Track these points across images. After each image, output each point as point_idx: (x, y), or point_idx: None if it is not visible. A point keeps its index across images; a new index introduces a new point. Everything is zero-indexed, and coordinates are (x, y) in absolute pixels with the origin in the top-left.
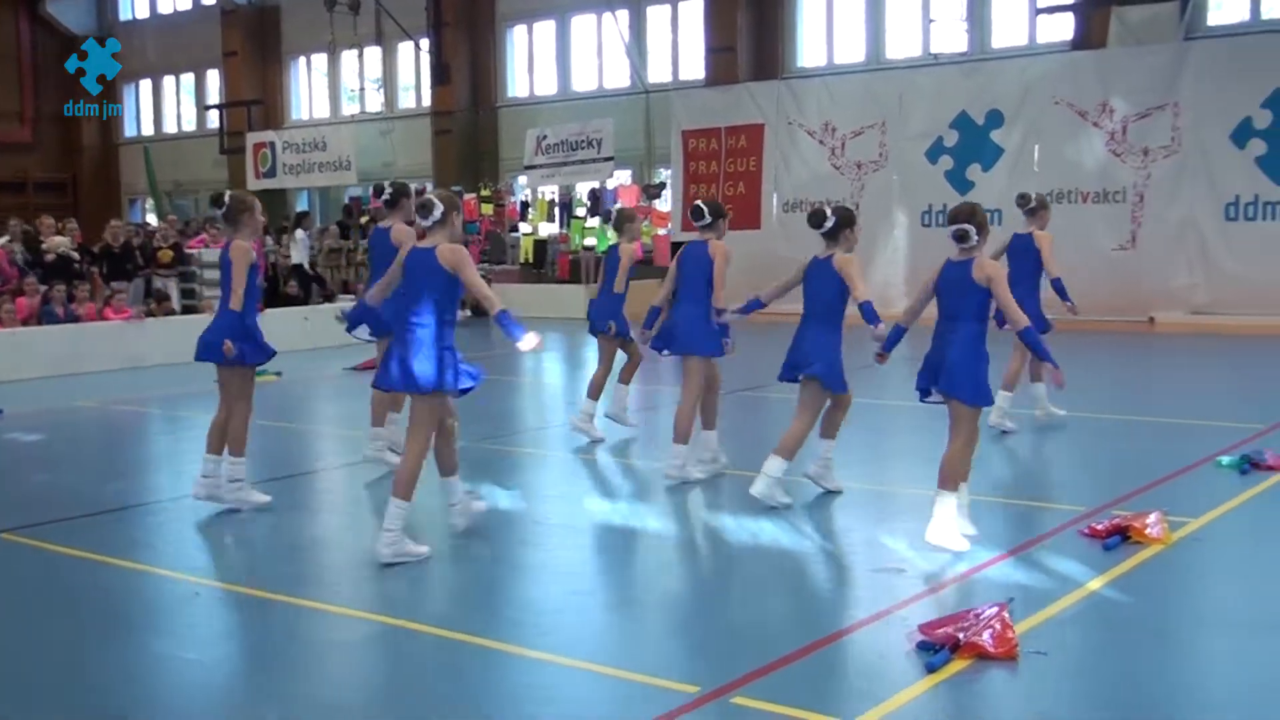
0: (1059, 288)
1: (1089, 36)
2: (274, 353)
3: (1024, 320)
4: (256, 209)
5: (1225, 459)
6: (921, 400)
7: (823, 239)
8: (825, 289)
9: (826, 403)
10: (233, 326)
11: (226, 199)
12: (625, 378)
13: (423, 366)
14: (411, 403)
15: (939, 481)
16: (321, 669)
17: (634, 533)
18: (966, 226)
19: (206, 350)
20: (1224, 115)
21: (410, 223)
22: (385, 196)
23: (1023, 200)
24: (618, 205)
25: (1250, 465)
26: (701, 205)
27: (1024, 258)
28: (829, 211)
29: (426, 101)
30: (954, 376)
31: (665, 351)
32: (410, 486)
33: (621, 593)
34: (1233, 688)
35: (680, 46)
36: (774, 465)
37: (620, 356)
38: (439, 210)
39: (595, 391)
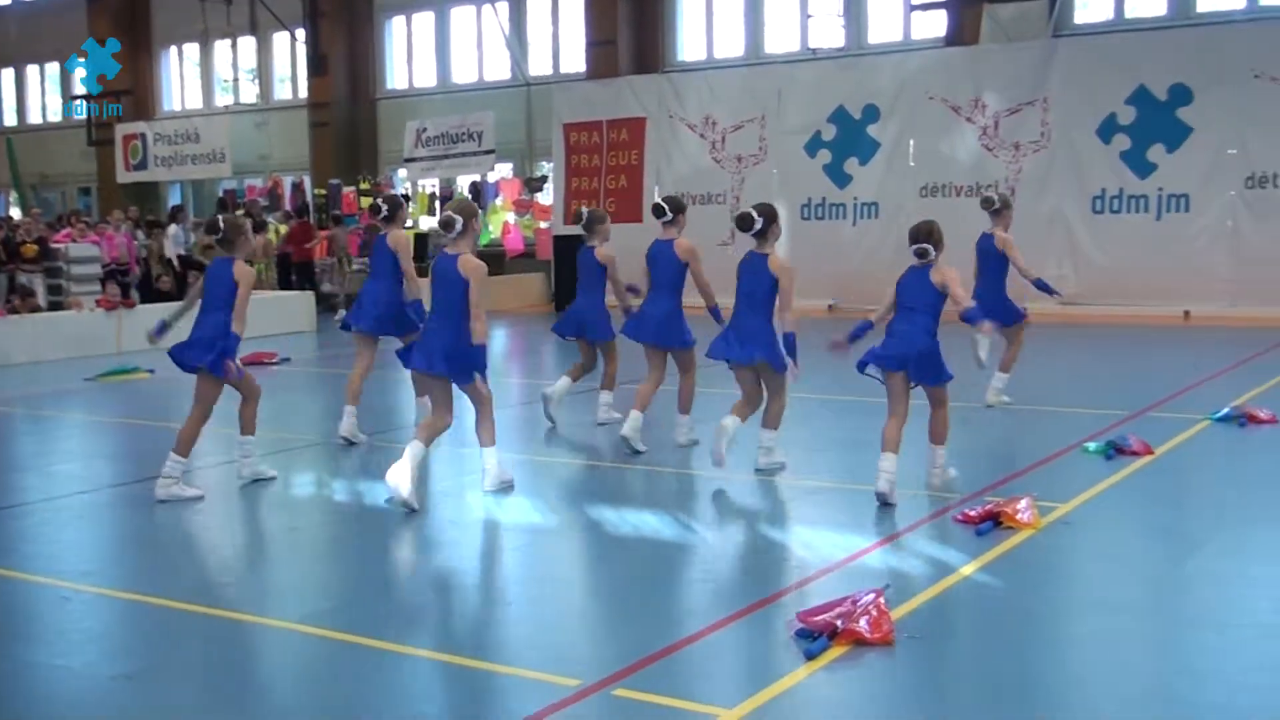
0: (1042, 286)
1: (961, 33)
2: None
3: (968, 302)
4: (248, 229)
5: (1092, 445)
6: (860, 372)
7: (753, 239)
8: (759, 284)
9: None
10: (231, 345)
11: (221, 223)
12: (606, 384)
13: (461, 356)
14: (436, 384)
15: (934, 440)
16: (192, 671)
17: (514, 526)
18: (926, 245)
19: (200, 357)
20: (1090, 111)
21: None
22: (384, 214)
23: (987, 203)
24: (589, 207)
25: (1115, 451)
26: (662, 203)
27: (988, 257)
28: (755, 214)
29: (303, 93)
30: (928, 366)
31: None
32: (433, 438)
33: (502, 586)
34: (1098, 667)
35: (561, 39)
36: (730, 422)
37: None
38: (459, 223)
39: (610, 383)
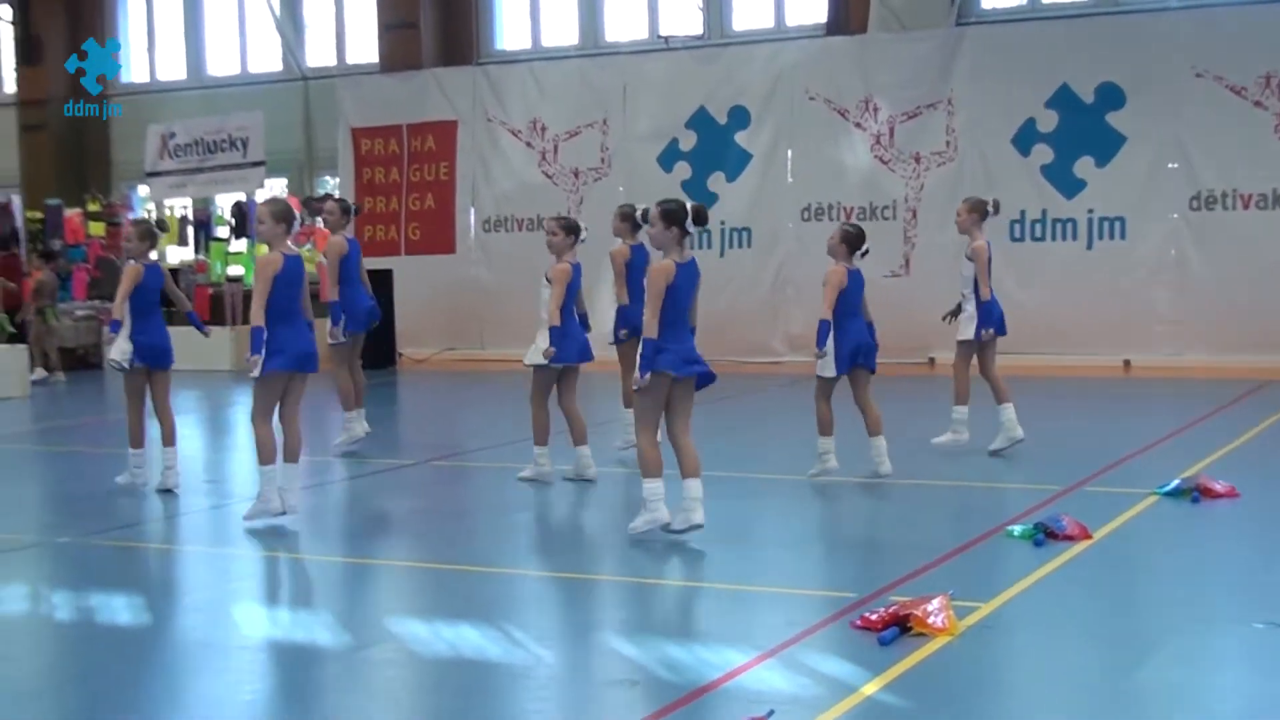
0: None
1: (846, 20)
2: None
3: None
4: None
5: (1017, 528)
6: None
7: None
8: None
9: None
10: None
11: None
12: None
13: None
14: (297, 382)
15: (878, 431)
16: None
17: (280, 645)
18: (868, 246)
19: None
20: (1004, 116)
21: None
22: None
23: (995, 206)
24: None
25: (1045, 535)
26: (705, 209)
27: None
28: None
29: (10, 88)
30: (873, 354)
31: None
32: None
33: None
34: None
35: (347, 21)
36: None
37: None
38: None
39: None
